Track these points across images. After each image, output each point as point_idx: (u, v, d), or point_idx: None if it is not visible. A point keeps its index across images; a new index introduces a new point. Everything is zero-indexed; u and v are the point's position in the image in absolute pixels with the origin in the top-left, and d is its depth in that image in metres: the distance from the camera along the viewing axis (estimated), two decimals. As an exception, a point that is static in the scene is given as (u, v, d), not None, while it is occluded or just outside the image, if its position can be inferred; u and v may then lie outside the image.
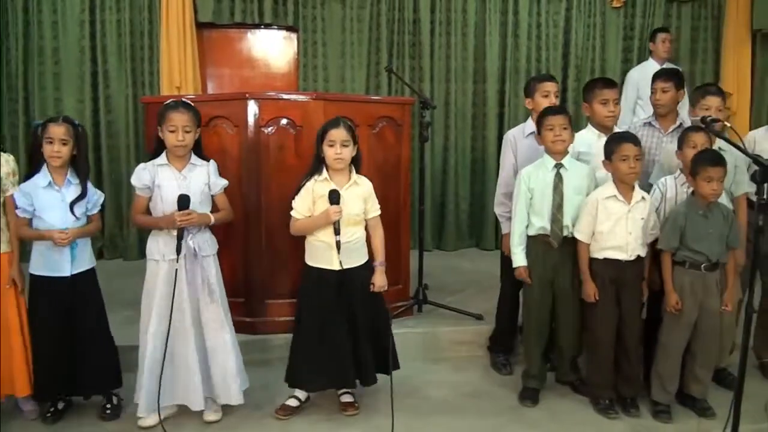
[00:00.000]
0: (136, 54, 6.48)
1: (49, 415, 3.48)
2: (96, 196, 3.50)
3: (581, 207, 3.61)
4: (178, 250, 3.27)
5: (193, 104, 3.44)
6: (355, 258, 3.46)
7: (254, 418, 3.55)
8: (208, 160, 3.48)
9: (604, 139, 3.77)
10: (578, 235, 3.60)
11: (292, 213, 3.45)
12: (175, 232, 3.30)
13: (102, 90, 6.46)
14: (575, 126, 3.90)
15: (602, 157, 3.61)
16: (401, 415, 3.48)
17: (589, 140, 3.89)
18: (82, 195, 3.40)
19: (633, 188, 3.56)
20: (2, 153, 3.45)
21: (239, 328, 3.70)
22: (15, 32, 6.33)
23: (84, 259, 3.45)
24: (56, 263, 3.35)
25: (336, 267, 3.37)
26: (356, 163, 3.48)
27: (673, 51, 6.49)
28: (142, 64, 6.48)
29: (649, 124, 4.11)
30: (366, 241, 3.54)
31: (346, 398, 3.66)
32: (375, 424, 3.49)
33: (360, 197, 3.45)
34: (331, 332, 3.42)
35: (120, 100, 6.47)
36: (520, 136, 4.10)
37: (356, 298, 3.44)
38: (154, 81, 6.47)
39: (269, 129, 4.14)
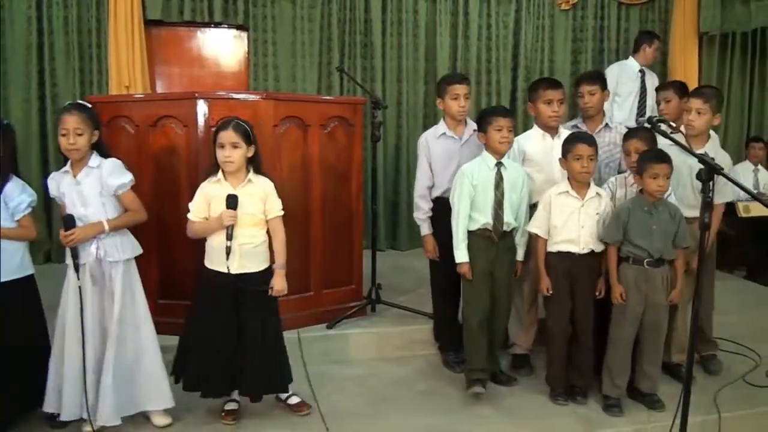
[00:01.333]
0: (84, 52, 6.36)
1: None
2: (22, 198, 3.31)
3: (538, 203, 3.78)
4: (76, 268, 3.23)
5: (89, 105, 3.36)
6: (254, 262, 3.40)
7: (203, 422, 3.52)
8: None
9: (548, 138, 3.93)
10: (535, 230, 3.77)
11: (189, 215, 3.42)
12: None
13: (49, 89, 6.32)
14: (530, 126, 4.02)
15: (549, 157, 3.78)
16: (355, 414, 3.52)
17: (534, 140, 4.04)
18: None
19: (588, 185, 3.70)
20: None
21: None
22: (-39, 28, 6.15)
23: (10, 268, 3.28)
24: None
25: (232, 270, 3.32)
26: (254, 163, 3.42)
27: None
28: (91, 62, 6.37)
29: (576, 127, 4.25)
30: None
31: (294, 399, 3.64)
32: (326, 423, 3.50)
33: (255, 197, 3.38)
34: (216, 337, 3.36)
35: (67, 99, 6.24)
36: (432, 138, 4.17)
37: (248, 305, 3.37)
38: (102, 80, 6.36)
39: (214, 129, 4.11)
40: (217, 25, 6.73)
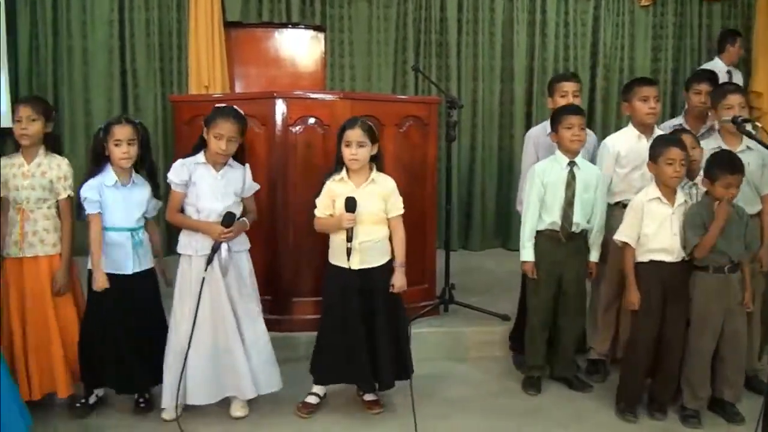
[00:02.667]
0: (165, 53, 6.58)
1: (78, 405, 3.57)
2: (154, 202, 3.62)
3: (627, 210, 3.64)
4: (209, 260, 3.37)
5: (242, 113, 3.51)
6: (376, 258, 3.48)
7: (278, 414, 3.60)
8: (244, 164, 3.57)
9: (644, 139, 3.84)
10: (624, 239, 3.58)
11: (315, 211, 3.52)
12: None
13: (131, 89, 6.57)
14: (609, 125, 3.95)
15: (644, 158, 3.64)
16: (425, 415, 3.53)
17: (629, 142, 3.93)
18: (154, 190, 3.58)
19: (675, 191, 3.56)
20: (56, 156, 3.57)
21: (266, 325, 3.75)
22: (44, 32, 6.45)
23: (147, 259, 3.56)
24: (119, 262, 3.46)
25: (354, 267, 3.42)
26: (377, 161, 3.51)
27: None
28: (171, 63, 6.59)
29: (680, 126, 4.12)
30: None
31: (369, 397, 3.69)
32: (400, 423, 3.53)
33: (378, 196, 3.46)
34: (349, 330, 3.46)
35: (149, 99, 6.57)
36: (542, 134, 4.15)
37: (375, 298, 3.47)
38: (182, 80, 6.57)
39: (297, 128, 4.19)
40: (295, 25, 6.85)
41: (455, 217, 6.73)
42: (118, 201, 3.45)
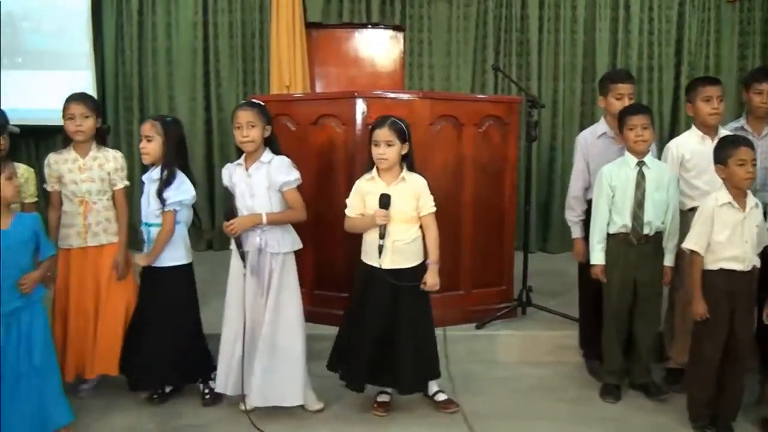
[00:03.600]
0: (247, 54, 6.76)
1: (155, 397, 3.71)
2: (168, 194, 3.55)
3: (696, 216, 3.45)
4: (242, 257, 3.45)
5: (261, 102, 3.55)
6: (407, 258, 3.45)
7: (353, 411, 3.63)
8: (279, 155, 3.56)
9: (708, 141, 3.73)
10: (693, 247, 3.39)
11: (346, 210, 3.54)
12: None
13: (213, 89, 6.77)
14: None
15: (710, 161, 3.49)
16: (496, 419, 3.52)
17: (693, 144, 3.83)
18: (163, 186, 3.55)
19: (746, 194, 3.39)
20: (111, 150, 3.76)
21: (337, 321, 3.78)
22: (130, 34, 6.74)
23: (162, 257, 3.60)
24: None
25: (385, 266, 3.42)
26: (408, 160, 3.48)
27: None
28: (253, 63, 6.75)
29: (742, 129, 3.96)
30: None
31: (441, 396, 3.67)
32: (466, 427, 3.51)
33: (409, 194, 3.43)
34: (370, 329, 3.45)
35: (231, 98, 6.74)
36: (591, 137, 4.08)
37: (402, 299, 3.44)
38: (264, 80, 6.72)
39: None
40: (374, 25, 6.92)
41: (534, 219, 6.68)
42: (145, 195, 3.64)
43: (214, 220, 6.68)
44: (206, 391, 3.72)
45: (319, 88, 7.01)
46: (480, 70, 6.86)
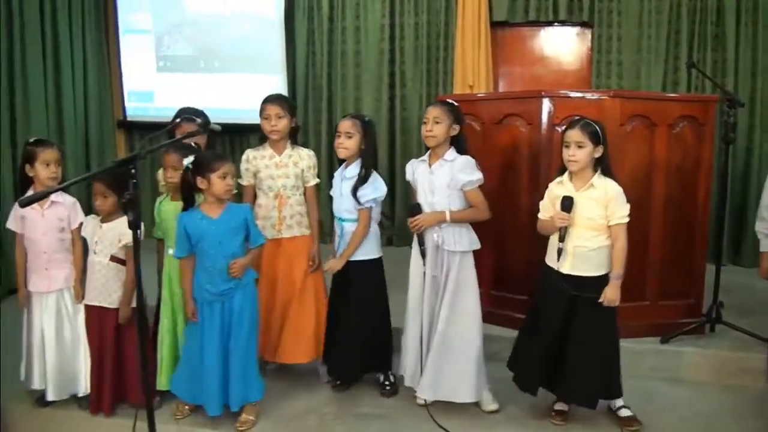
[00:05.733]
0: (432, 55, 6.82)
1: (339, 383, 3.88)
2: (364, 192, 3.65)
3: None
4: (422, 254, 3.50)
5: (453, 102, 3.57)
6: (590, 266, 3.30)
7: (530, 416, 3.57)
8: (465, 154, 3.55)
9: None
10: None
11: (539, 214, 3.49)
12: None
13: (398, 90, 6.90)
14: None
15: None
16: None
17: None
18: (359, 184, 3.66)
19: None
20: (304, 149, 3.93)
21: (520, 325, 3.69)
22: (320, 38, 7.02)
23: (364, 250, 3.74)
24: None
25: (563, 270, 3.33)
26: (602, 164, 3.31)
27: None
28: (437, 64, 6.81)
29: None
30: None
31: (626, 413, 3.49)
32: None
33: (597, 202, 3.26)
34: (544, 332, 3.38)
35: (414, 99, 6.86)
36: None
37: (581, 310, 3.30)
38: (447, 81, 6.76)
39: (563, 127, 4.07)
40: (561, 23, 6.75)
41: (726, 228, 6.21)
42: (336, 192, 3.80)
43: (394, 217, 6.85)
44: (386, 381, 3.82)
45: (502, 88, 6.95)
46: (672, 66, 6.49)
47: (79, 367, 3.55)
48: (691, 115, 4.23)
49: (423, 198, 3.54)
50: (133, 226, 2.55)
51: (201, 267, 3.33)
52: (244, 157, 3.89)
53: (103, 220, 3.44)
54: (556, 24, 6.79)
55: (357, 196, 3.63)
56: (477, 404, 3.59)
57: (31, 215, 3.49)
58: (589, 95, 4.21)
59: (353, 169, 3.69)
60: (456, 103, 3.56)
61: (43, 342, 3.50)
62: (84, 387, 3.56)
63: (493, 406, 3.60)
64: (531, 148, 4.20)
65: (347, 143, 3.65)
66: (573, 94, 4.23)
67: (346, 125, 3.67)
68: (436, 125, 3.45)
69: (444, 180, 3.49)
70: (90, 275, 3.46)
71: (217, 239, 3.28)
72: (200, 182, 3.26)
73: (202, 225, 3.28)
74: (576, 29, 6.82)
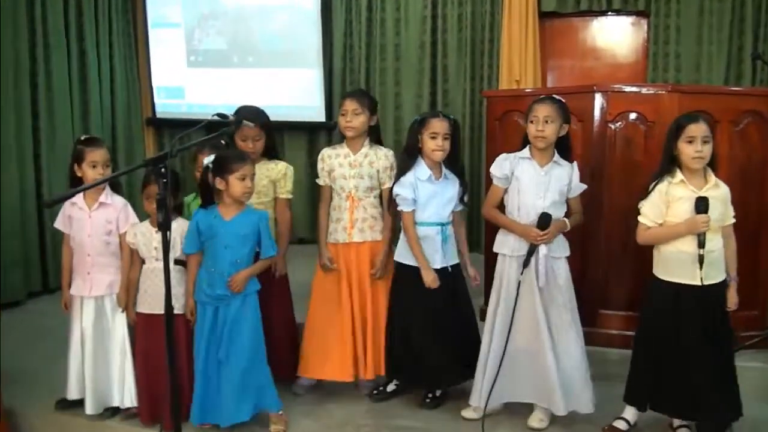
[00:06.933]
0: (476, 48, 6.84)
1: (376, 393, 3.88)
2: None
3: None
4: (526, 264, 3.40)
5: (562, 99, 3.50)
6: (716, 272, 3.24)
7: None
8: (571, 161, 3.53)
9: None
10: None
11: (641, 219, 3.32)
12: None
13: (440, 85, 6.94)
14: None
15: None
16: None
17: None
18: (464, 187, 3.74)
19: None
20: (383, 148, 3.91)
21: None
22: (359, 30, 7.08)
23: (453, 254, 3.75)
24: (427, 256, 3.68)
25: (697, 282, 3.18)
26: (712, 164, 3.27)
27: None
28: (482, 57, 6.82)
29: None
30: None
31: (683, 426, 3.46)
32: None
33: (721, 201, 3.24)
34: (678, 354, 3.25)
35: (457, 94, 6.87)
36: None
37: (716, 319, 3.24)
38: (492, 75, 6.76)
39: (617, 124, 4.11)
40: (616, 12, 6.72)
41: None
42: (431, 195, 3.66)
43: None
44: (429, 393, 3.81)
45: (550, 83, 6.95)
46: (735, 58, 6.43)
47: (117, 378, 3.57)
48: (757, 110, 4.17)
49: (532, 200, 3.44)
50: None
51: (204, 266, 3.38)
52: (320, 155, 3.93)
53: (154, 224, 3.47)
54: (609, 13, 6.76)
55: (462, 198, 3.74)
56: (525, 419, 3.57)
57: (78, 215, 3.53)
58: (644, 90, 4.18)
59: (450, 172, 3.73)
60: (563, 101, 3.50)
61: (82, 350, 3.54)
62: (123, 399, 3.57)
63: (543, 424, 3.56)
64: (583, 145, 4.16)
65: (446, 145, 3.63)
66: (627, 89, 4.19)
67: (443, 126, 3.62)
68: (547, 125, 3.37)
69: (561, 185, 3.46)
70: (152, 283, 3.47)
71: (224, 243, 3.32)
72: (218, 183, 3.31)
73: (214, 224, 3.33)
74: (631, 19, 6.78)
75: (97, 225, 3.52)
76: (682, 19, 6.46)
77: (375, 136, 3.90)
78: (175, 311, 3.30)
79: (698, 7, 6.42)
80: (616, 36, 6.86)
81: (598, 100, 4.11)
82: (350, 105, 3.75)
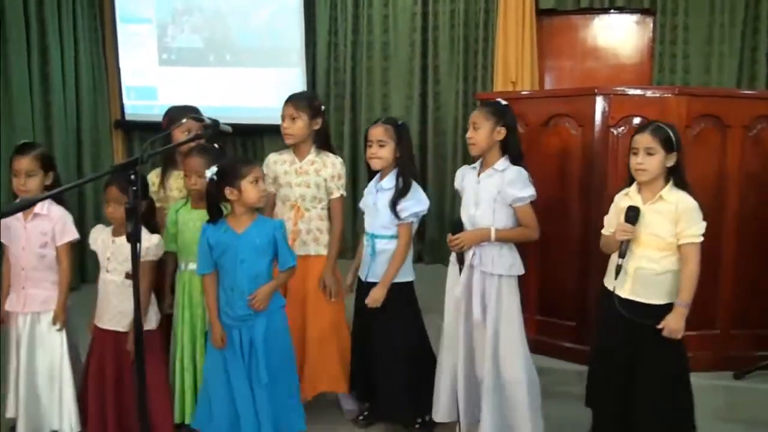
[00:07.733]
0: (470, 47, 6.81)
1: (361, 418, 3.79)
2: (405, 205, 3.55)
3: None
4: (461, 273, 3.40)
5: (500, 101, 3.47)
6: (653, 293, 3.18)
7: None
8: (523, 165, 3.44)
9: None
10: None
11: (603, 230, 3.37)
12: None
13: (431, 85, 6.89)
14: None
15: None
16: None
17: None
18: (398, 197, 3.55)
19: None
20: (331, 155, 3.80)
21: (569, 355, 3.67)
22: (344, 27, 7.03)
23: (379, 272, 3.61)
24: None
25: (620, 292, 3.20)
26: (675, 175, 3.19)
27: None
28: (476, 57, 6.79)
29: None
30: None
31: None
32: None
33: (666, 217, 3.14)
34: (606, 365, 3.31)
35: (449, 96, 6.83)
36: None
37: (647, 340, 3.17)
38: (486, 76, 6.73)
39: (619, 129, 4.09)
40: (619, 9, 6.70)
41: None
42: (367, 204, 3.69)
43: (423, 231, 6.77)
44: (419, 419, 3.72)
45: (548, 84, 6.92)
46: (748, 59, 6.42)
47: (57, 400, 3.47)
48: (771, 115, 4.17)
49: (466, 209, 3.45)
50: (133, 237, 2.57)
51: (220, 286, 3.29)
52: (265, 161, 3.85)
53: (115, 233, 3.38)
54: (612, 11, 6.74)
55: (396, 210, 3.54)
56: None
57: (14, 226, 3.44)
58: (649, 92, 4.19)
59: (390, 180, 3.60)
60: (503, 102, 3.45)
61: (18, 368, 3.45)
62: (64, 424, 3.46)
63: None
64: (583, 153, 4.17)
65: (381, 152, 3.56)
66: (631, 92, 4.19)
67: (377, 132, 3.57)
68: (475, 131, 3.37)
69: (491, 193, 3.39)
70: (102, 296, 3.40)
71: (239, 257, 3.21)
72: (230, 193, 3.21)
73: (225, 239, 3.22)
74: (635, 17, 6.78)
75: (32, 237, 3.43)
76: (690, 17, 6.44)
77: (321, 141, 3.81)
78: (123, 329, 3.33)
79: (708, 4, 6.40)
80: (619, 35, 6.83)
81: (600, 103, 4.10)
82: (286, 110, 3.71)
